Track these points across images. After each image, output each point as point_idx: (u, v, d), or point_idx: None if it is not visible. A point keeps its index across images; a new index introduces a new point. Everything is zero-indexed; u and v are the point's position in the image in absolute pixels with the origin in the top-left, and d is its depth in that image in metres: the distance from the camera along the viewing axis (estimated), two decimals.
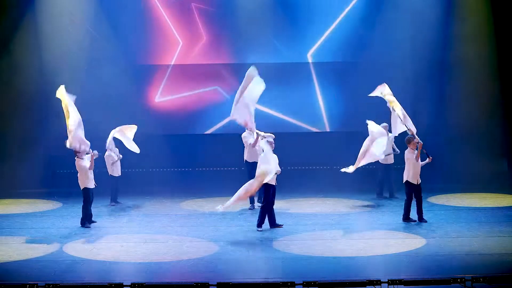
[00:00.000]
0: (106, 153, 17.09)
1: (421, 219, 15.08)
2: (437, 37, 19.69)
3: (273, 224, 14.80)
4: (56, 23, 19.35)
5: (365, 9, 19.80)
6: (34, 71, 19.41)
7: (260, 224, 14.64)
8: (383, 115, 16.69)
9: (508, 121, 19.84)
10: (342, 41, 19.89)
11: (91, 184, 15.07)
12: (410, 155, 15.14)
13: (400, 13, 19.52)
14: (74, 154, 15.04)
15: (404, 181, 15.19)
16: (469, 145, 19.48)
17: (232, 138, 19.22)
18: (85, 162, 14.99)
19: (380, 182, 17.88)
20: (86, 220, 15.08)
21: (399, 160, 16.22)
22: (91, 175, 15.07)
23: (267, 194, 14.70)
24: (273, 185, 14.70)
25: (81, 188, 15.09)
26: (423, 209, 15.17)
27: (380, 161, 17.05)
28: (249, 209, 16.59)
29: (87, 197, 15.06)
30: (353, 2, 19.84)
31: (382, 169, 17.68)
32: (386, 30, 19.61)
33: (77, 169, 15.07)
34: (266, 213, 14.72)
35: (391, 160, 17.58)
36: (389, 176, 17.72)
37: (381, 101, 16.04)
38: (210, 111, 20.08)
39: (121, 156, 17.32)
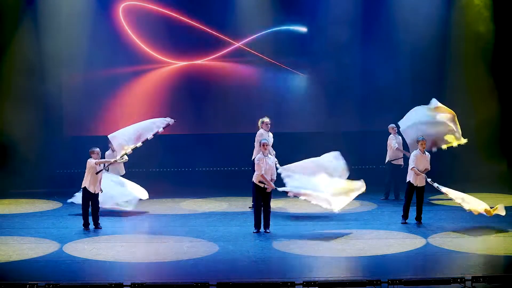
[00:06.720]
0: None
1: (416, 219, 15.11)
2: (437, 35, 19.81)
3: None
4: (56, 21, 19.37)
5: None
6: (35, 71, 19.40)
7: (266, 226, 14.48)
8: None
9: (508, 121, 19.83)
10: None
11: (92, 188, 14.76)
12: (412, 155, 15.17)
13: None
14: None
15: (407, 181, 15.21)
16: (469, 145, 19.44)
17: (232, 138, 19.23)
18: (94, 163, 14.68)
19: (387, 184, 17.84)
20: (83, 223, 14.89)
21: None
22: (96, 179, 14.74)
23: (253, 194, 14.63)
24: (260, 186, 14.28)
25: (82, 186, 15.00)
26: (423, 210, 15.18)
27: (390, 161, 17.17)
28: (250, 208, 16.59)
29: (83, 197, 14.88)
30: None
31: (390, 171, 17.66)
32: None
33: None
34: (255, 214, 14.49)
35: (400, 161, 17.57)
36: (396, 178, 17.67)
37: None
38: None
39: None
